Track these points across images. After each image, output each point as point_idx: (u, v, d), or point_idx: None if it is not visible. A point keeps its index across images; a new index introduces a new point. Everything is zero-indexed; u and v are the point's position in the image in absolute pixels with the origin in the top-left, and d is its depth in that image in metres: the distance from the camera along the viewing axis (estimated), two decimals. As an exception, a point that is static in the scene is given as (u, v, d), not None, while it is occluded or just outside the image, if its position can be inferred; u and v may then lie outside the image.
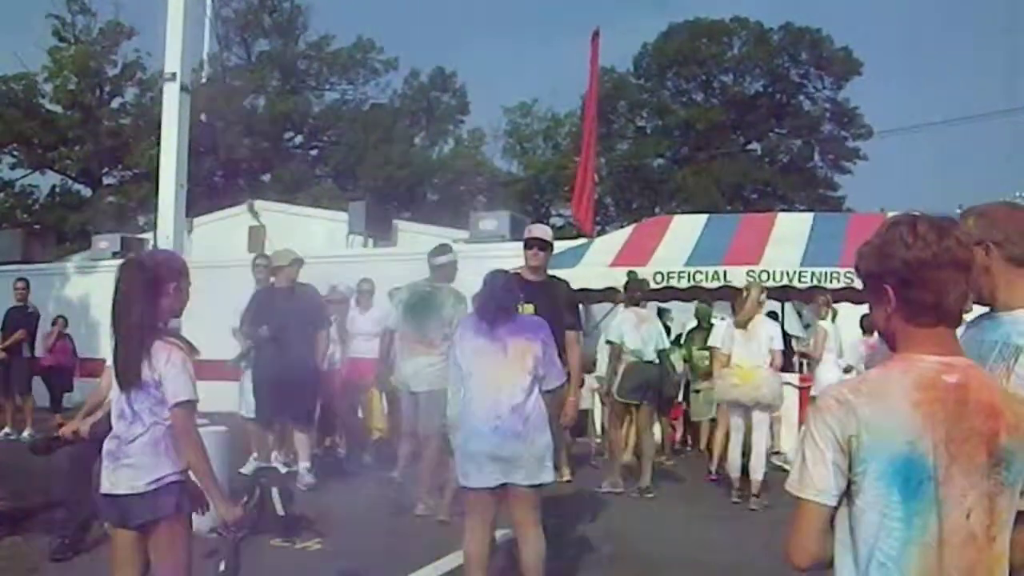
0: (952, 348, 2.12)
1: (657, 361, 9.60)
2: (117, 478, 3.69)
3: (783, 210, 29.79)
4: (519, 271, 6.65)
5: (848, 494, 2.04)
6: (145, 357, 3.63)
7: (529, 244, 6.67)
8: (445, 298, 7.95)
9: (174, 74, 7.59)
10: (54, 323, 14.02)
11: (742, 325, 8.88)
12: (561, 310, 6.60)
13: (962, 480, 2.00)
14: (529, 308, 6.41)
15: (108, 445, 3.76)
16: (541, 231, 6.83)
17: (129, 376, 3.67)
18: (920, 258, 2.06)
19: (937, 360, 2.07)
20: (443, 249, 8.29)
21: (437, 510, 7.56)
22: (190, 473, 3.78)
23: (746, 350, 8.79)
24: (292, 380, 8.83)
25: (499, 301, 5.19)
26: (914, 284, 2.07)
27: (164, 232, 7.56)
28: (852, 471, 2.02)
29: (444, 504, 7.42)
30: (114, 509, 3.73)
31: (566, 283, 7.15)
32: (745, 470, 8.88)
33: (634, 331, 9.42)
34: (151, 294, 3.70)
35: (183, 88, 7.61)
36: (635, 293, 9.82)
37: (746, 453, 8.91)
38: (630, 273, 10.28)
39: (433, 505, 7.68)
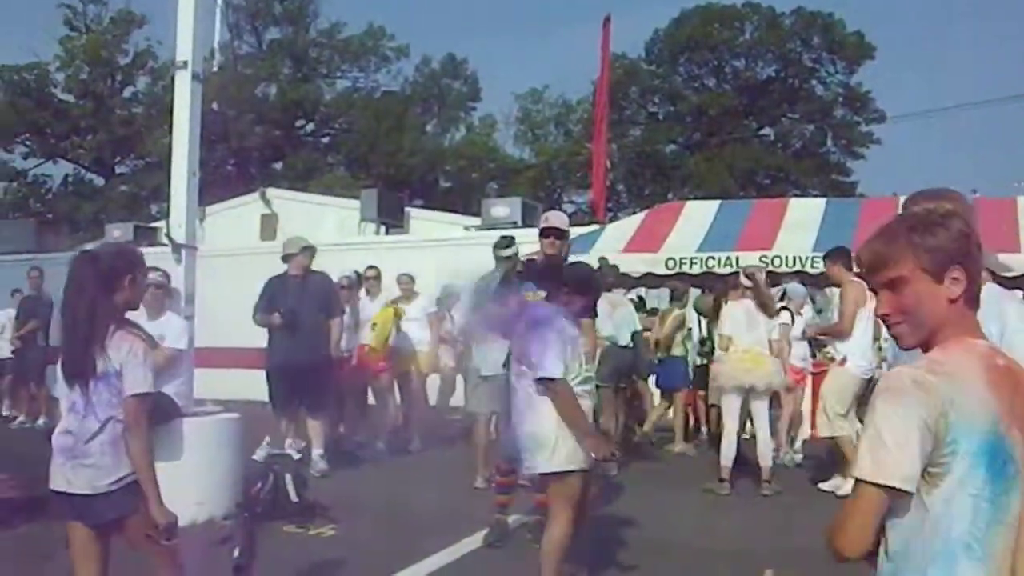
0: (983, 332, 2.14)
1: (632, 344, 9.98)
2: (75, 477, 3.62)
3: (796, 195, 29.74)
4: (534, 258, 6.67)
5: (927, 479, 1.95)
6: (100, 349, 3.58)
7: (546, 233, 6.62)
8: None
9: (186, 62, 7.57)
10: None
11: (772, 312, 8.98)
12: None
13: None
14: (542, 295, 6.44)
15: (62, 441, 3.68)
16: (558, 220, 6.77)
17: (75, 370, 3.62)
18: (979, 244, 2.10)
19: (986, 344, 2.08)
20: (507, 241, 8.49)
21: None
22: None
23: (752, 336, 8.77)
24: (304, 367, 8.88)
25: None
26: (976, 268, 2.09)
27: (176, 220, 7.57)
28: (938, 454, 1.94)
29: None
30: (70, 507, 3.67)
31: (580, 269, 7.14)
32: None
33: (607, 318, 9.54)
34: (105, 287, 3.64)
35: (195, 77, 7.59)
36: (607, 279, 9.92)
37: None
38: (601, 259, 10.33)
39: (489, 479, 8.10)
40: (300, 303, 8.99)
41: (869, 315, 8.06)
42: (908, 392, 1.94)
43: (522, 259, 6.88)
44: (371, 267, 11.29)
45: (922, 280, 2.06)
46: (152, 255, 8.10)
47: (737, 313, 8.87)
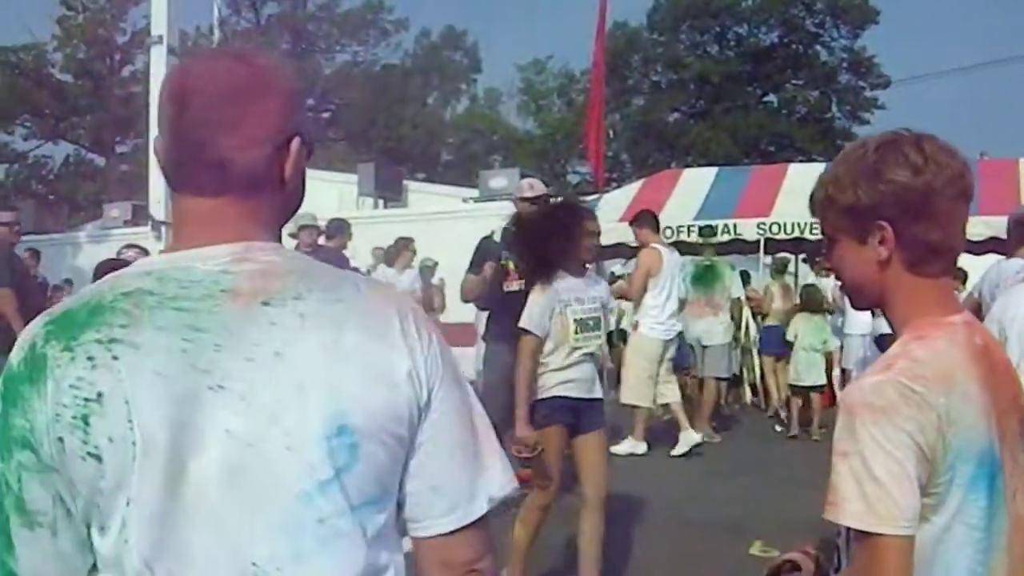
0: (957, 304, 1.72)
1: None
2: None
3: (801, 162, 29.48)
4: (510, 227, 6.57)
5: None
6: None
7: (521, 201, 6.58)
8: (723, 269, 9.80)
9: (161, 37, 7.48)
10: (58, 289, 13.98)
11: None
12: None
13: (1009, 460, 1.62)
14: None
15: None
16: (529, 188, 6.70)
17: None
18: (932, 184, 1.60)
19: (961, 320, 1.66)
20: (712, 230, 10.13)
21: (712, 437, 9.49)
22: None
23: None
24: None
25: None
26: (923, 218, 1.61)
27: (155, 198, 7.48)
28: (932, 482, 1.53)
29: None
30: None
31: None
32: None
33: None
34: None
35: (171, 51, 7.47)
36: None
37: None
38: None
39: (709, 433, 9.42)
40: None
41: (668, 280, 8.40)
42: (896, 410, 1.51)
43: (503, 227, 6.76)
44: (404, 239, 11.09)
45: (843, 240, 1.70)
46: (152, 235, 7.97)
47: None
